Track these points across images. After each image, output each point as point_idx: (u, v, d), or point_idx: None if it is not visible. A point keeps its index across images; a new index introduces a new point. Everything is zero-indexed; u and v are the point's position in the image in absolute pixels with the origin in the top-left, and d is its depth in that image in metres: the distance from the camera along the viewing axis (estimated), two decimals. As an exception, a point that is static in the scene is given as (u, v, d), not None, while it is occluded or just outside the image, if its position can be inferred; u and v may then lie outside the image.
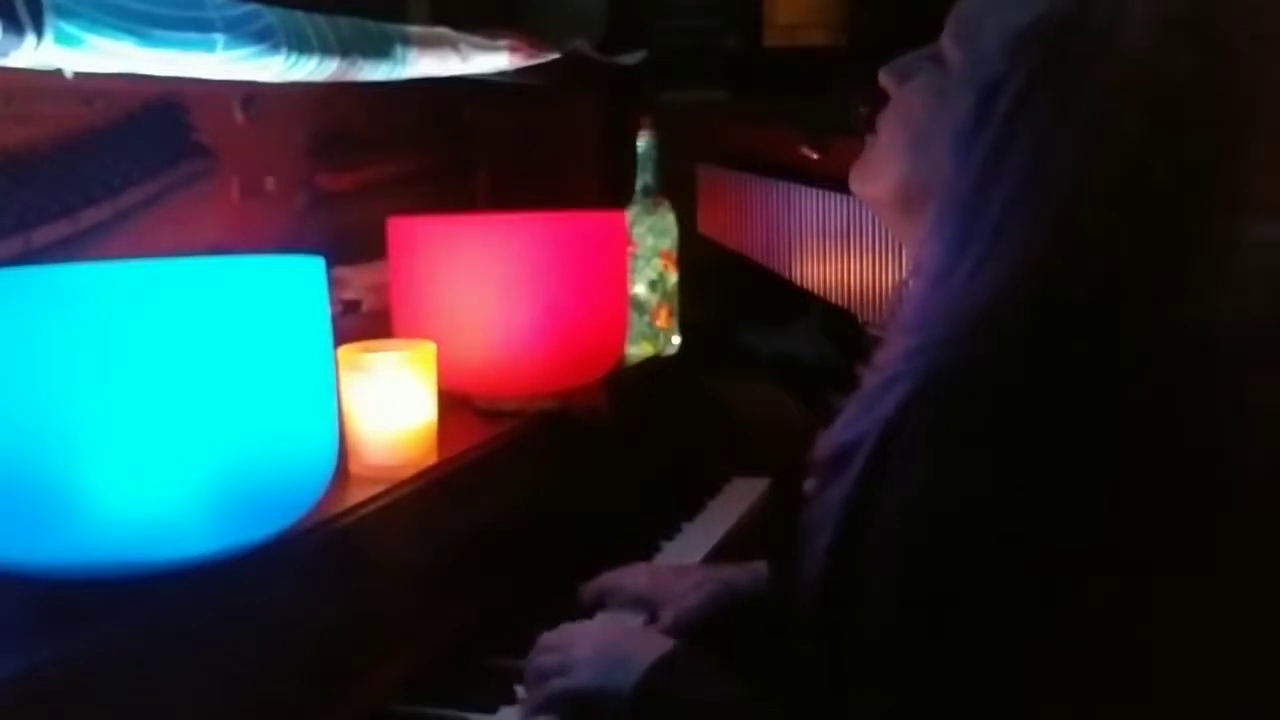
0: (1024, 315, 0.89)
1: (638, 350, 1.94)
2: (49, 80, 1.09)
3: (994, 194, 0.90)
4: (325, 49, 1.32)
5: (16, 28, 0.97)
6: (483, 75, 1.72)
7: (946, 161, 0.93)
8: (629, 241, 1.87)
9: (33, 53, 0.99)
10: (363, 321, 1.57)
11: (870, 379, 0.98)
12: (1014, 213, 0.89)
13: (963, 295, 0.91)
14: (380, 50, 1.43)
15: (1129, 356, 0.89)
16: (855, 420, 0.96)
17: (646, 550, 1.56)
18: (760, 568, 1.30)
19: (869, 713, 0.89)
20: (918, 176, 0.99)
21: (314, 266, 1.06)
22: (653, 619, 1.30)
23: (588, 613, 1.34)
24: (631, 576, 1.36)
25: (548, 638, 1.17)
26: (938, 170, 0.95)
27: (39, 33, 0.98)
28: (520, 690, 1.18)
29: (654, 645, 1.09)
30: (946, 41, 0.98)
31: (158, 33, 1.10)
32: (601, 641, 1.13)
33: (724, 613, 1.27)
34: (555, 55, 1.88)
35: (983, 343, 0.89)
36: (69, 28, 1.01)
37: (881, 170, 1.03)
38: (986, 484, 0.86)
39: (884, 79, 1.02)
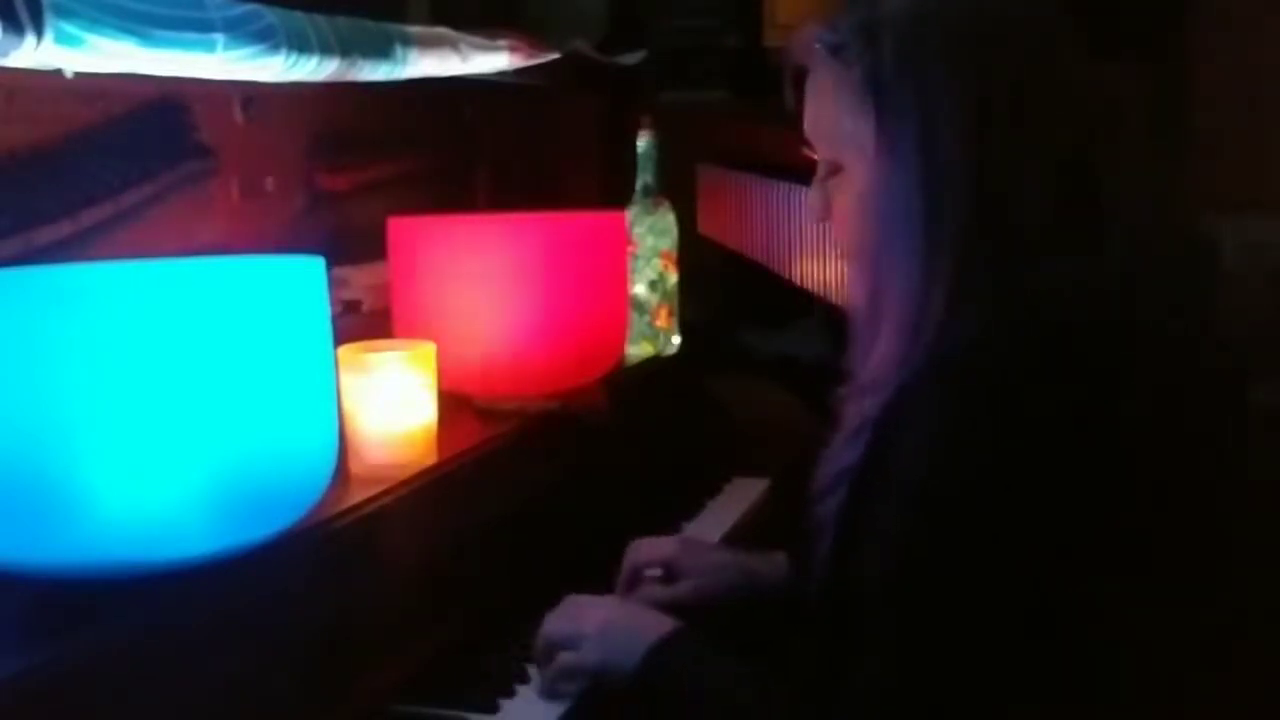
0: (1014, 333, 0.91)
1: (638, 350, 1.94)
2: (49, 80, 1.09)
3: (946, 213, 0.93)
4: (325, 49, 1.32)
5: (16, 28, 0.97)
6: (483, 75, 1.72)
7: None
8: (629, 241, 1.87)
9: (33, 53, 0.99)
10: (363, 321, 1.57)
11: (852, 411, 1.00)
12: (969, 229, 0.93)
13: (942, 339, 0.93)
14: (380, 50, 1.43)
15: (1123, 353, 0.90)
16: (846, 449, 0.99)
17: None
18: (780, 559, 1.30)
19: (868, 691, 0.89)
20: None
21: (314, 266, 1.06)
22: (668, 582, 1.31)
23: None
24: (659, 545, 1.36)
25: (557, 611, 1.18)
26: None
27: (39, 33, 0.98)
28: (520, 690, 1.18)
29: (658, 624, 1.10)
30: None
31: (158, 33, 1.10)
32: (609, 620, 1.13)
33: (739, 602, 1.28)
34: (555, 55, 1.88)
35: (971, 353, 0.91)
36: (69, 28, 1.01)
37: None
38: (982, 472, 0.88)
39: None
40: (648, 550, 1.34)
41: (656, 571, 1.33)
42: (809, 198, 1.08)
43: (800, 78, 1.04)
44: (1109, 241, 0.94)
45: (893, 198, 0.96)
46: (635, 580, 1.33)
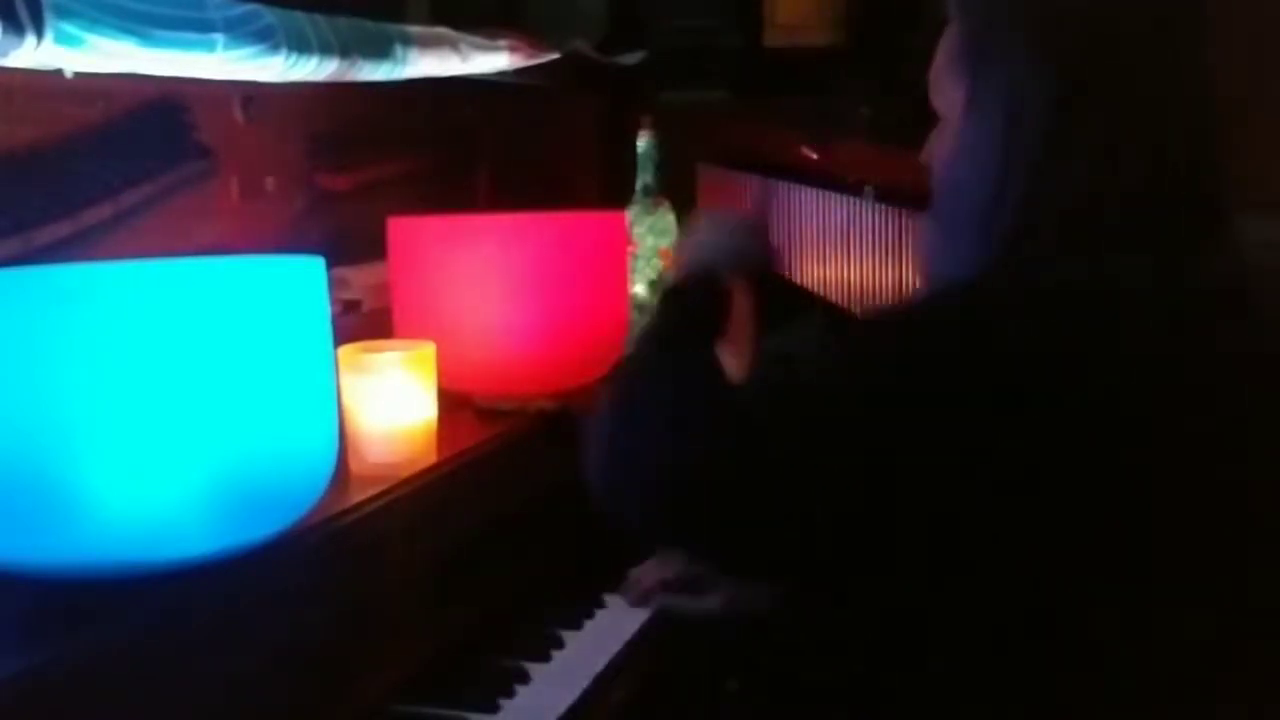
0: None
1: (638, 350, 1.93)
2: (49, 80, 1.09)
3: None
4: (325, 49, 1.32)
5: (16, 28, 0.97)
6: (483, 75, 1.72)
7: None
8: (629, 241, 1.87)
9: (33, 52, 0.99)
10: (363, 321, 1.57)
11: None
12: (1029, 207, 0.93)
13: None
14: (380, 50, 1.44)
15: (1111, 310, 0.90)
16: None
17: (647, 550, 1.56)
18: None
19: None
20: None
21: (314, 266, 1.06)
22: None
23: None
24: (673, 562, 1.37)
25: None
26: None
27: (39, 33, 0.98)
28: (520, 690, 1.18)
29: None
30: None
31: (158, 33, 1.10)
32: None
33: (768, 613, 1.27)
34: (555, 55, 1.88)
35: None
36: (69, 28, 1.01)
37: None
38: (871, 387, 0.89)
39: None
40: (668, 567, 1.35)
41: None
42: (928, 141, 1.07)
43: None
44: (1195, 248, 0.93)
45: (966, 164, 0.96)
46: (655, 589, 1.33)
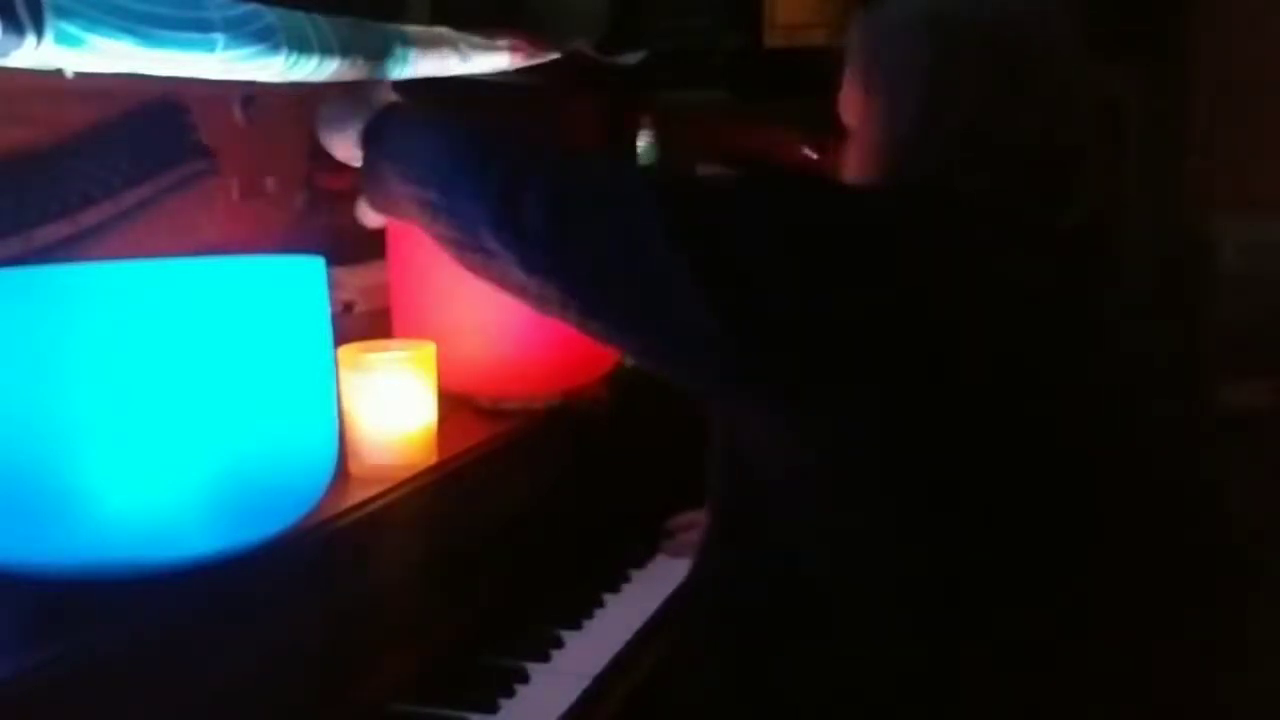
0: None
1: (638, 350, 1.93)
2: (49, 80, 1.09)
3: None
4: (325, 49, 1.32)
5: (16, 28, 0.97)
6: (483, 75, 1.72)
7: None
8: (629, 241, 1.87)
9: (33, 52, 0.99)
10: (362, 321, 1.57)
11: None
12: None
13: None
14: (380, 50, 1.43)
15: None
16: None
17: (647, 551, 1.56)
18: None
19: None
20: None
21: (314, 266, 1.06)
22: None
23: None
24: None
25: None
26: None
27: (39, 33, 0.98)
28: (520, 689, 1.18)
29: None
30: None
31: (158, 33, 1.10)
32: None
33: None
34: (555, 55, 1.88)
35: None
36: (69, 28, 1.01)
37: None
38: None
39: None
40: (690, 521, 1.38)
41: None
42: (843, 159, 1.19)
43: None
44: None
45: (872, 157, 1.11)
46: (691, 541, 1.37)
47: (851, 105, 1.15)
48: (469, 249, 1.14)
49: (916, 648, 0.97)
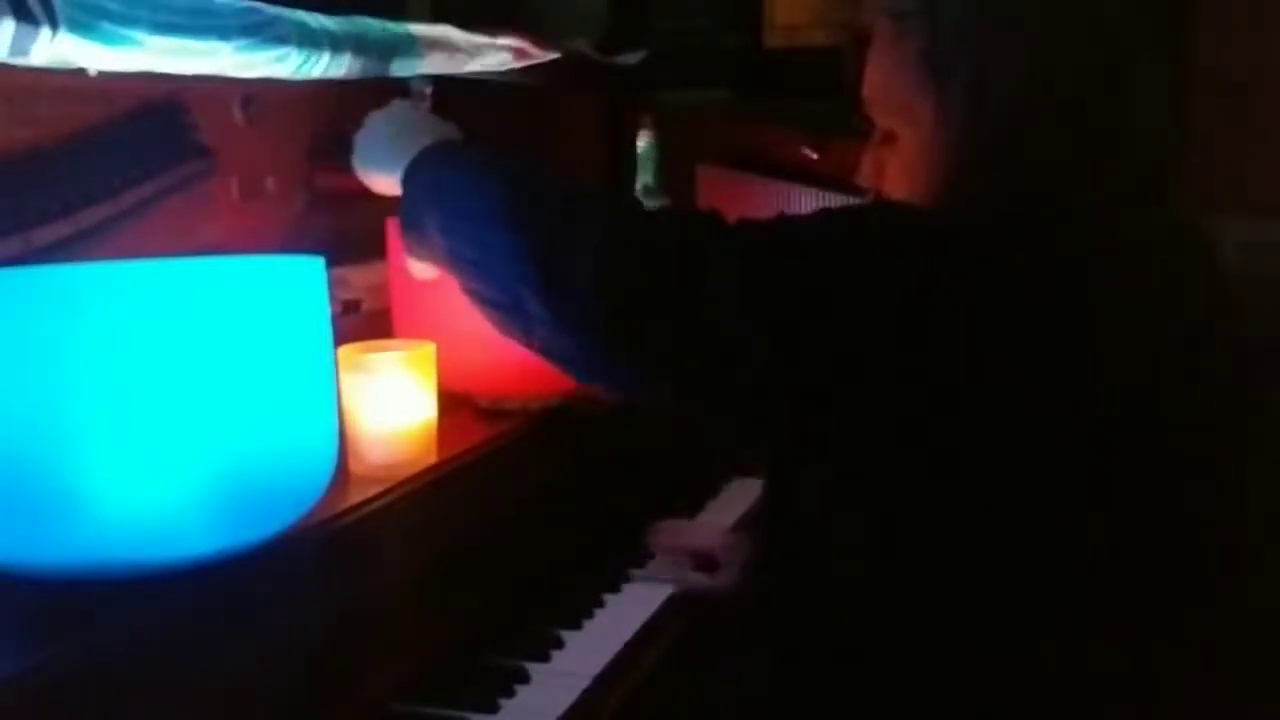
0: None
1: (638, 350, 1.93)
2: (50, 80, 1.09)
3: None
4: (331, 48, 1.32)
5: (31, 23, 0.97)
6: (483, 75, 1.72)
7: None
8: (629, 241, 1.86)
9: (48, 45, 0.99)
10: (363, 321, 1.57)
11: None
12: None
13: None
14: (381, 50, 1.43)
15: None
16: None
17: (647, 551, 1.56)
18: None
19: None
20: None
21: (314, 266, 1.06)
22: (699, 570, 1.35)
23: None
24: (694, 532, 1.37)
25: None
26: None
27: (54, 27, 0.98)
28: (520, 689, 1.18)
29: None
30: None
31: (170, 33, 1.10)
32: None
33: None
34: (555, 55, 1.88)
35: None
36: (82, 20, 1.01)
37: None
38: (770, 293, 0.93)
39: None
40: (689, 537, 1.35)
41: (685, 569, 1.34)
42: (863, 163, 1.08)
43: (863, 45, 1.06)
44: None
45: (944, 168, 0.97)
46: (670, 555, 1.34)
47: (898, 99, 1.00)
48: (505, 310, 1.10)
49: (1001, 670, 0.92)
